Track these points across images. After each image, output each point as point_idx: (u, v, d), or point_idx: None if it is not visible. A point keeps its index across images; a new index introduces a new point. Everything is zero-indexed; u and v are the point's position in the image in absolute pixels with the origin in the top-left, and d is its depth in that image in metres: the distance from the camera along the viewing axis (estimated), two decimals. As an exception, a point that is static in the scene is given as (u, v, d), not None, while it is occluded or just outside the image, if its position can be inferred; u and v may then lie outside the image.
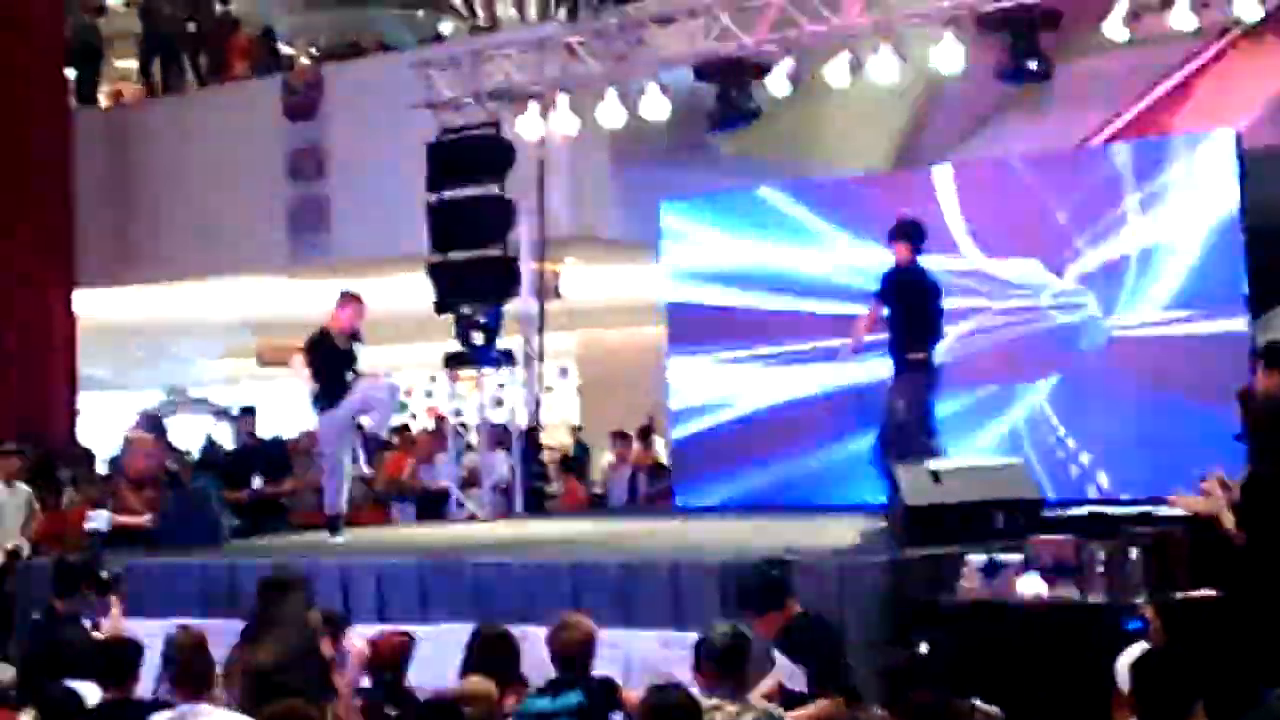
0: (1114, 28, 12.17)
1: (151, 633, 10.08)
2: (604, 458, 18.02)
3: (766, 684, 7.54)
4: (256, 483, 14.07)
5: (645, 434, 17.18)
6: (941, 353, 11.27)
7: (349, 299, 12.35)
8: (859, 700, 7.54)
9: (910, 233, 11.11)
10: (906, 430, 10.74)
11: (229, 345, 26.77)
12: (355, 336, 12.31)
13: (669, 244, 14.99)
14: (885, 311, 10.99)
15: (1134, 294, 12.64)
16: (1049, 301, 13.05)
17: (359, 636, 8.70)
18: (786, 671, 7.69)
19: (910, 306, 10.87)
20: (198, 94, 20.17)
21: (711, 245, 14.67)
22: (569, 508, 16.01)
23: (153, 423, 15.53)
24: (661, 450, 16.96)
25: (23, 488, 13.80)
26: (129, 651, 7.98)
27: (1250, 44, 14.59)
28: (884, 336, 11.28)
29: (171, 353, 28.14)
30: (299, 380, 12.25)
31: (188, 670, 7.19)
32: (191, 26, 20.59)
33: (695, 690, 6.79)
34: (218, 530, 12.40)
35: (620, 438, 17.23)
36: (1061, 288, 12.98)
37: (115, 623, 9.44)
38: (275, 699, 7.14)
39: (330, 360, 12.20)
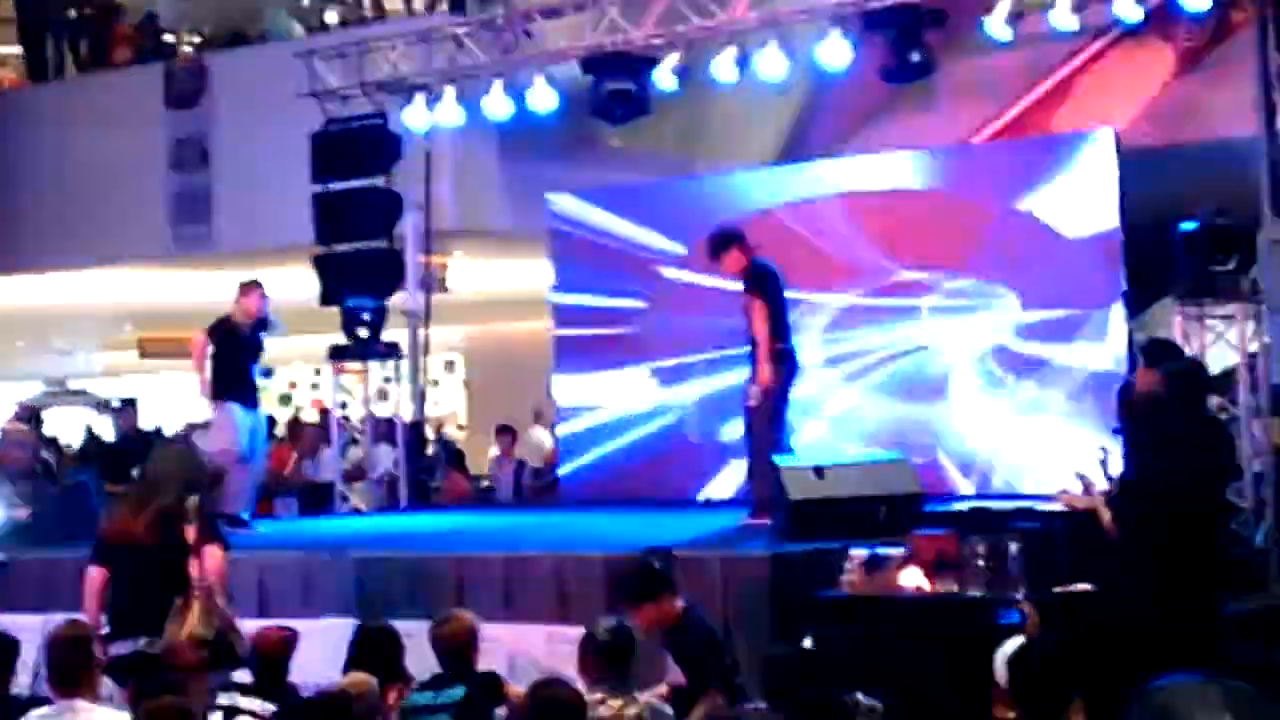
0: (997, 26, 12.29)
1: (28, 627, 9.96)
2: (490, 451, 18.00)
3: (662, 688, 7.56)
4: (136, 475, 13.89)
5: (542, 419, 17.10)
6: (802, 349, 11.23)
7: (249, 287, 12.34)
8: (741, 696, 7.58)
9: (735, 239, 10.91)
10: (774, 421, 10.75)
11: (109, 337, 26.44)
12: (262, 325, 12.29)
13: (556, 237, 14.96)
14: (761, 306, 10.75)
15: (1013, 291, 12.77)
16: (935, 302, 13.15)
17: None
18: (673, 668, 7.73)
19: (773, 300, 10.77)
20: (78, 81, 19.88)
21: (599, 238, 14.65)
22: (452, 501, 15.97)
23: (28, 414, 15.33)
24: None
25: (-104, 482, 13.58)
26: (3, 647, 7.84)
27: (1130, 44, 14.78)
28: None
29: (51, 344, 27.75)
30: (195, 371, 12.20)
31: (66, 665, 7.04)
32: (72, 12, 20.30)
33: (580, 685, 6.79)
34: (95, 524, 12.23)
35: (505, 431, 17.20)
36: (947, 286, 13.09)
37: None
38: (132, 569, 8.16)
39: (231, 349, 12.17)
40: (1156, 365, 9.07)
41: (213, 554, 8.70)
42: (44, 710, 6.85)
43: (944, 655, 7.81)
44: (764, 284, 10.76)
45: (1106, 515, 8.05)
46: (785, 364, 10.76)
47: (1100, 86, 14.99)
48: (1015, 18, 12.20)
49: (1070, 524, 8.57)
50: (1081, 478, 8.43)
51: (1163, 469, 7.86)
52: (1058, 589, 8.23)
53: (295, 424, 17.53)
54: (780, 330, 10.79)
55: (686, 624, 7.81)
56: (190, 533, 8.63)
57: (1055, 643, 6.44)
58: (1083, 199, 12.41)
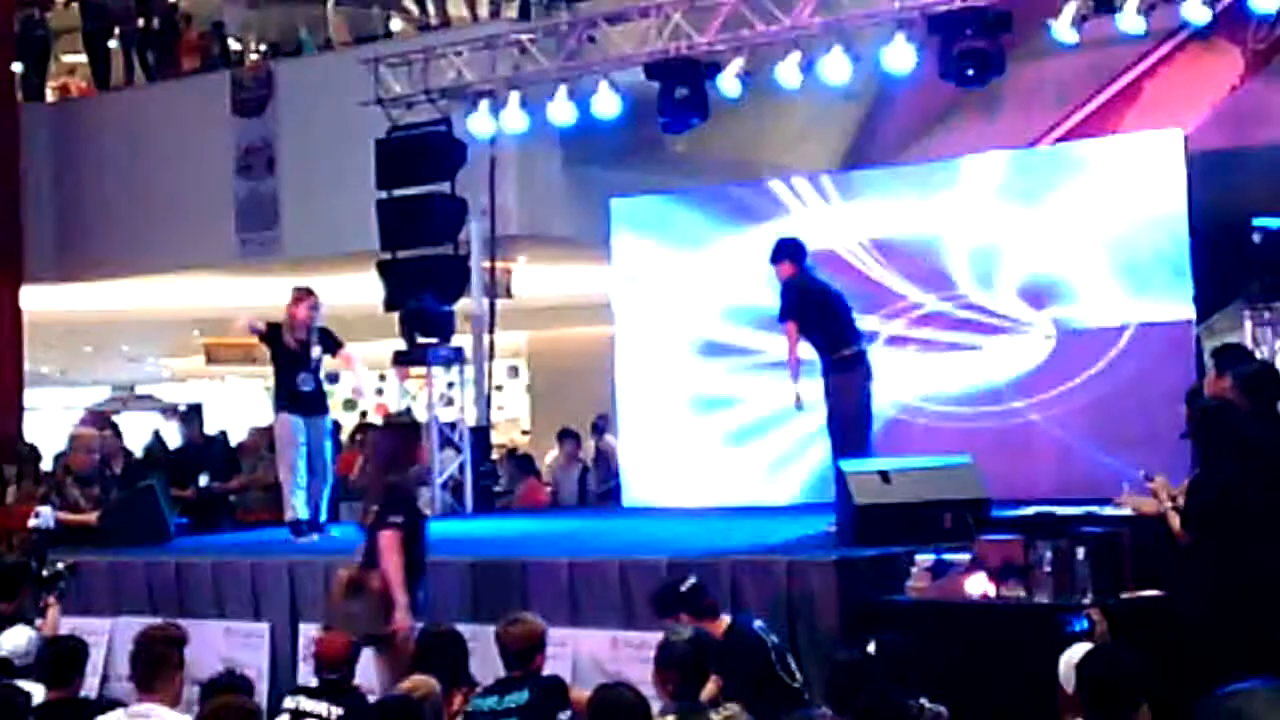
0: (1063, 30, 12.22)
1: (96, 630, 10.07)
2: (549, 455, 18.02)
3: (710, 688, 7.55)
4: (203, 480, 14.00)
5: (599, 429, 17.13)
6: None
7: (298, 294, 12.34)
8: (803, 703, 7.56)
9: (789, 252, 11.06)
10: (856, 426, 10.78)
11: (177, 342, 26.65)
12: (313, 337, 12.20)
13: (620, 242, 14.96)
14: (793, 327, 10.81)
15: (1080, 295, 12.68)
16: (998, 302, 13.08)
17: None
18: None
19: (819, 311, 10.85)
20: (146, 89, 20.05)
21: (663, 244, 14.64)
22: (527, 507, 15.97)
23: (103, 420, 15.46)
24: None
25: (-33, 485, 13.75)
26: (72, 650, 7.92)
27: (1198, 47, 14.67)
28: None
29: (119, 349, 28.00)
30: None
31: (149, 663, 7.09)
32: (140, 21, 20.49)
33: (652, 693, 6.77)
34: (164, 528, 12.35)
35: (569, 436, 17.20)
36: (1008, 290, 13.01)
37: (52, 621, 9.36)
38: None
39: (276, 355, 12.21)
40: (1227, 370, 8.99)
41: (381, 539, 8.89)
42: (117, 713, 6.91)
43: (1010, 661, 7.77)
44: (790, 304, 10.83)
45: (1175, 521, 7.99)
46: (859, 366, 10.81)
47: (1168, 90, 14.87)
48: (1081, 21, 12.13)
49: (1138, 529, 8.50)
50: (1148, 481, 8.38)
51: (1233, 475, 7.79)
52: (1125, 595, 8.17)
53: (362, 428, 17.57)
54: (847, 335, 10.84)
55: (727, 642, 7.82)
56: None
57: (1123, 649, 6.39)
58: (1150, 203, 12.31)
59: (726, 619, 8.17)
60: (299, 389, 12.13)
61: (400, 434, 9.85)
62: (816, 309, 10.85)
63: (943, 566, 8.67)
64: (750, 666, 7.78)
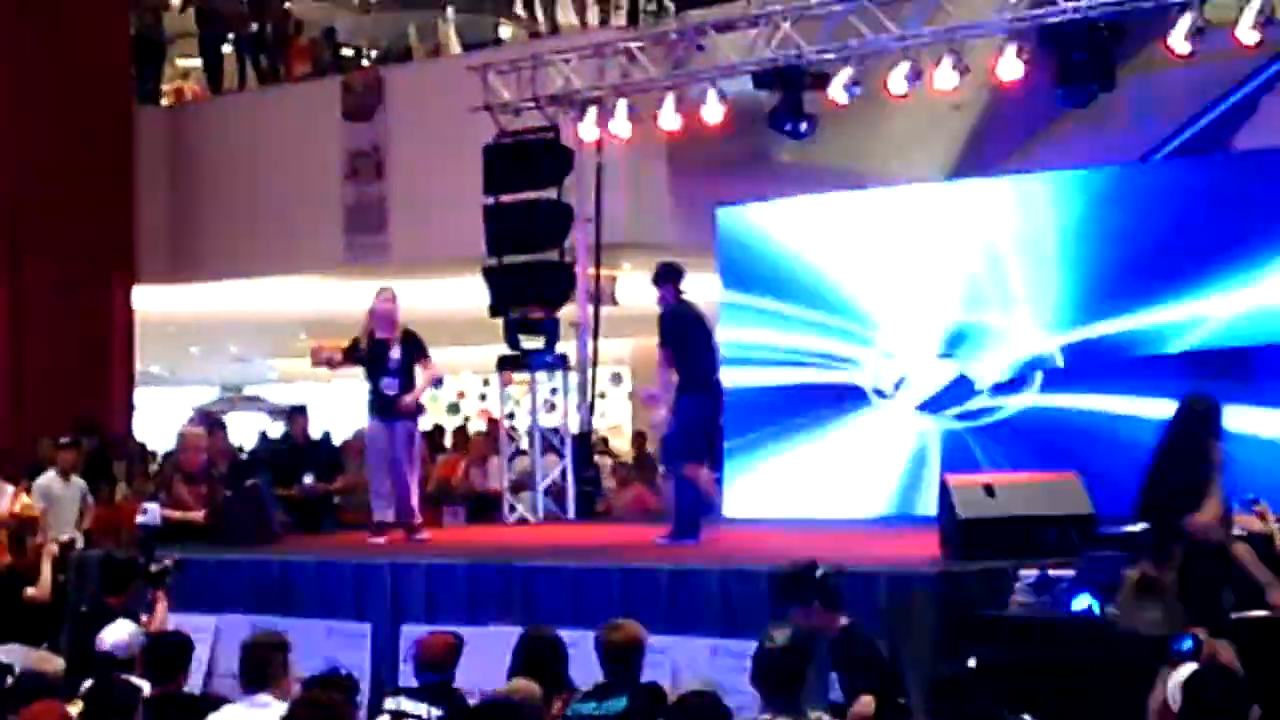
0: (1178, 42, 12.07)
1: (201, 627, 10.17)
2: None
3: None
4: (308, 480, 14.13)
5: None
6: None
7: (376, 294, 12.50)
8: (905, 715, 7.51)
9: (671, 277, 11.86)
10: (695, 440, 11.55)
11: (284, 344, 26.92)
12: (394, 335, 12.25)
13: (725, 251, 14.94)
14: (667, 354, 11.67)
15: (1207, 308, 12.47)
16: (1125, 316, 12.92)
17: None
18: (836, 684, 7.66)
19: (685, 340, 11.60)
20: (258, 94, 20.28)
21: (768, 252, 14.60)
22: (633, 514, 15.92)
23: (210, 419, 15.63)
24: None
25: (78, 481, 13.96)
26: (178, 646, 8.03)
27: (1317, 61, 14.47)
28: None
29: (227, 350, 28.33)
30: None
31: (257, 663, 7.44)
32: (253, 27, 20.74)
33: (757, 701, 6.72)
34: (269, 527, 12.46)
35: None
36: (1143, 301, 12.81)
37: (159, 617, 9.48)
38: None
39: (362, 364, 12.32)
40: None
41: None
42: (236, 706, 7.25)
43: (1115, 680, 7.68)
44: (665, 329, 11.72)
45: (1283, 540, 7.89)
46: (713, 392, 11.71)
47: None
48: (1197, 33, 11.97)
49: (1248, 548, 8.38)
50: (1252, 501, 8.27)
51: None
52: (1233, 614, 8.06)
53: (460, 433, 17.70)
54: (708, 364, 11.74)
55: (849, 639, 7.75)
56: None
57: (1229, 669, 6.32)
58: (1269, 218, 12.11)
59: (844, 619, 8.05)
60: (383, 393, 12.21)
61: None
62: (692, 336, 11.66)
63: (1046, 582, 8.59)
64: (869, 664, 7.72)
